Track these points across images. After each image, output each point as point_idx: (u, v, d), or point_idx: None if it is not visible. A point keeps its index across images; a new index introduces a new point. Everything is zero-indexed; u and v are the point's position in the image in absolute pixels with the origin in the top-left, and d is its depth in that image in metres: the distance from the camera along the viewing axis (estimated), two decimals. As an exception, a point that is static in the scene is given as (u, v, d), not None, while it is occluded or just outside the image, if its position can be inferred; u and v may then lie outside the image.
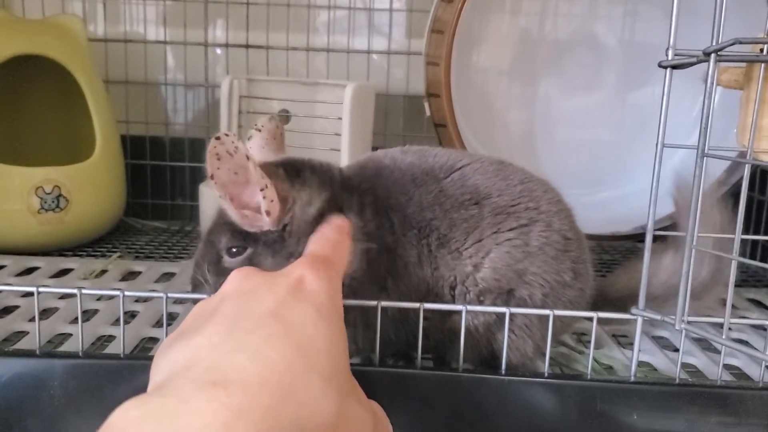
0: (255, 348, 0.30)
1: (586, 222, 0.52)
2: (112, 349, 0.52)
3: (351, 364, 0.35)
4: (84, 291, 0.45)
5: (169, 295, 0.45)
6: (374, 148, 0.76)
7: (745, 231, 0.80)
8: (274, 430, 0.27)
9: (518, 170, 0.50)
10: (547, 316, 0.45)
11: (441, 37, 0.74)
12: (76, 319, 0.46)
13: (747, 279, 0.78)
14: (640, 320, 0.46)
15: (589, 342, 0.49)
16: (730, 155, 0.47)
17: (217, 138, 0.38)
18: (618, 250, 0.88)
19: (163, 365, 0.31)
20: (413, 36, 0.96)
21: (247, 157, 0.38)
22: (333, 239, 0.40)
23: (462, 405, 0.44)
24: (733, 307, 0.60)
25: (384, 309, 0.44)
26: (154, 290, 0.65)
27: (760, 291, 0.72)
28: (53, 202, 0.75)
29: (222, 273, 0.43)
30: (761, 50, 0.41)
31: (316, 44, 0.97)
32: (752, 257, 0.81)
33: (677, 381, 0.45)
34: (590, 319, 0.46)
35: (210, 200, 0.76)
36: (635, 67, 0.88)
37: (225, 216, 0.43)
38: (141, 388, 0.34)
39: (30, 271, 0.71)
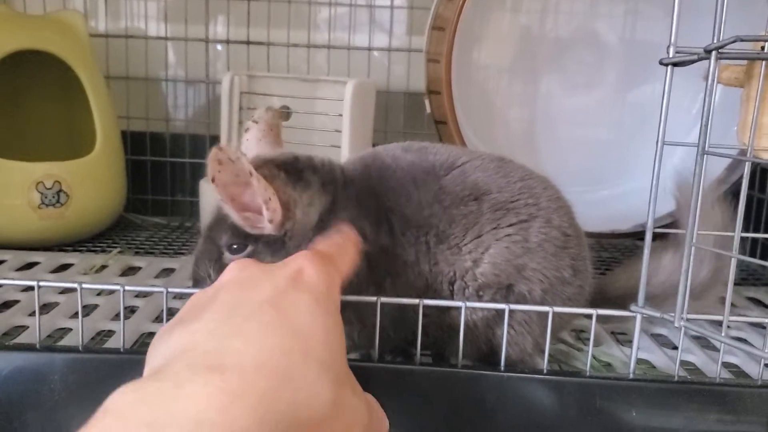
0: (252, 333, 0.30)
1: (586, 220, 0.52)
2: (111, 343, 0.52)
3: (349, 360, 0.35)
4: (84, 286, 0.45)
5: (170, 290, 0.45)
6: (374, 145, 0.76)
7: (745, 229, 0.80)
8: (270, 414, 0.27)
9: (518, 167, 0.50)
10: (546, 313, 0.45)
11: (442, 34, 0.74)
12: (76, 313, 0.46)
13: (746, 277, 0.78)
14: (639, 317, 0.46)
15: (588, 339, 0.49)
16: (730, 153, 0.47)
17: (219, 147, 0.38)
18: (617, 248, 0.88)
19: (160, 351, 0.31)
20: (414, 33, 0.96)
21: (251, 173, 0.38)
22: (338, 242, 0.40)
23: (461, 401, 0.44)
24: (733, 305, 0.61)
25: (382, 307, 0.44)
26: (154, 285, 0.66)
27: (759, 289, 0.72)
28: (54, 197, 0.75)
29: (223, 269, 0.43)
30: (762, 48, 0.41)
31: (317, 41, 0.97)
32: (752, 255, 0.82)
33: (676, 378, 0.45)
34: (589, 316, 0.46)
35: (210, 196, 0.75)
36: (636, 65, 0.88)
37: (225, 212, 0.43)
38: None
39: (30, 266, 0.71)
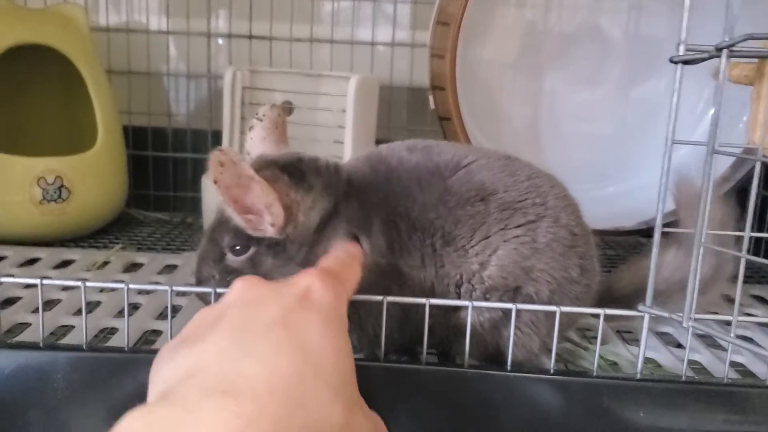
0: (263, 355, 0.29)
1: (590, 217, 0.52)
2: (115, 341, 0.52)
3: (354, 359, 0.34)
4: (88, 284, 0.45)
5: (174, 288, 0.44)
6: (378, 141, 0.75)
7: (750, 228, 0.80)
8: None
9: (525, 165, 0.49)
10: (553, 313, 0.44)
11: (446, 29, 0.73)
12: (79, 311, 0.45)
13: (751, 275, 0.78)
14: (647, 317, 0.45)
15: (594, 338, 0.49)
16: (738, 152, 0.47)
17: (220, 149, 0.38)
18: (621, 246, 0.87)
19: (164, 373, 0.30)
20: (418, 28, 0.96)
21: (252, 177, 0.38)
22: (344, 260, 0.40)
23: (467, 401, 0.43)
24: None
25: (387, 309, 0.43)
26: (157, 282, 0.65)
27: (764, 287, 0.72)
28: (55, 192, 0.74)
29: (226, 270, 0.44)
30: (773, 46, 0.41)
31: (320, 35, 0.96)
32: (756, 254, 0.81)
33: (683, 378, 0.45)
34: (597, 315, 0.46)
35: (213, 192, 0.75)
36: (640, 61, 0.88)
37: (228, 214, 0.43)
38: (144, 382, 0.33)
39: (32, 262, 0.70)
